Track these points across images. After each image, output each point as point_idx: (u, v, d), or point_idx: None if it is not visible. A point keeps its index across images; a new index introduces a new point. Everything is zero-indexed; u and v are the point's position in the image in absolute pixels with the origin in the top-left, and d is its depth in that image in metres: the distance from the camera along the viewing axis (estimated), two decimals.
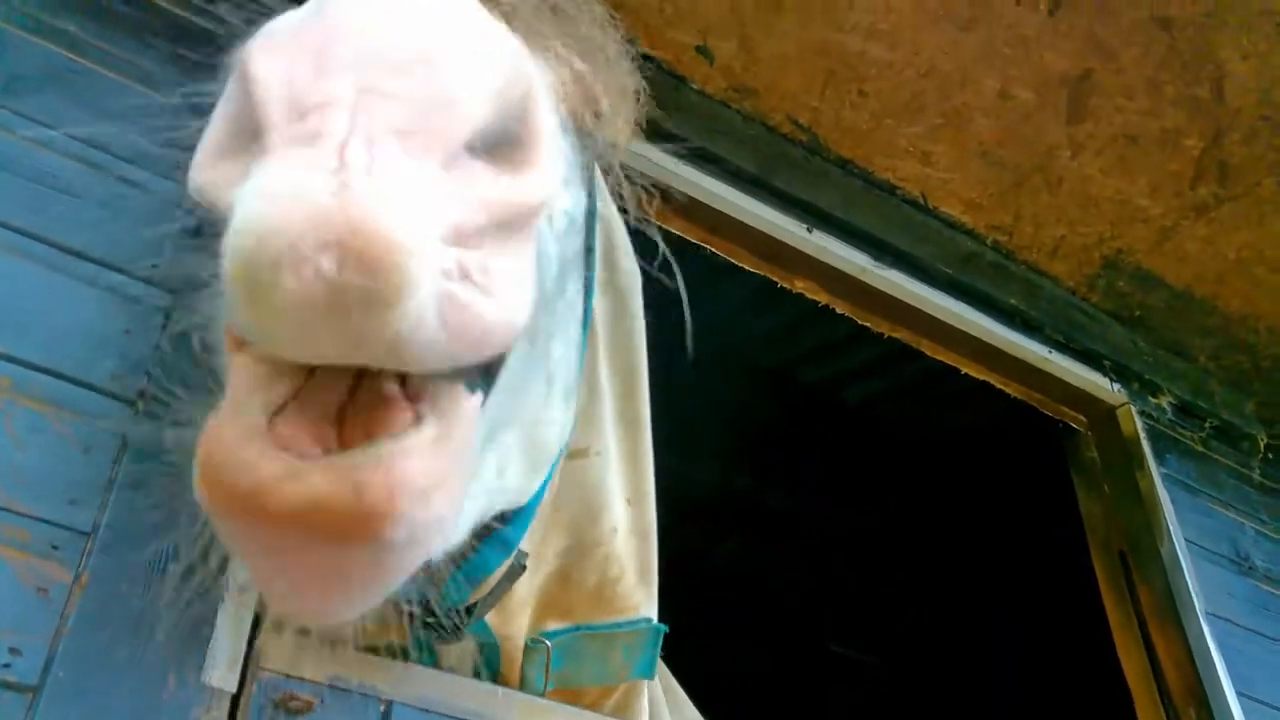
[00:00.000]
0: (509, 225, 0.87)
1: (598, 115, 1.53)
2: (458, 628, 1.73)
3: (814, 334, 4.83)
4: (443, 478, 0.88)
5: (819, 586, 7.02)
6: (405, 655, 1.79)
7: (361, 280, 0.75)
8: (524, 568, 1.77)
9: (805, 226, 3.29)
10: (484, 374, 1.04)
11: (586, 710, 2.02)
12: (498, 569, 1.73)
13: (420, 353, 0.81)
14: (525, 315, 0.91)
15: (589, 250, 1.75)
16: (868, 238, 3.41)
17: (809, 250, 3.31)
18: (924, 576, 6.72)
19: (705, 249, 3.31)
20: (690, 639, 6.96)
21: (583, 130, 1.50)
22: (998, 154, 3.36)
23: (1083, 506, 3.88)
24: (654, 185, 3.06)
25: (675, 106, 3.17)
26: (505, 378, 1.10)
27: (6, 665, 1.55)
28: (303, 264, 0.74)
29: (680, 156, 3.12)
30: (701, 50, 3.12)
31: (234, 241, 0.77)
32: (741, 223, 3.23)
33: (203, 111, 2.27)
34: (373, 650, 1.79)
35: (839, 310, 3.53)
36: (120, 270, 1.98)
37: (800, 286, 3.46)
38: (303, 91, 0.79)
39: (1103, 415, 3.86)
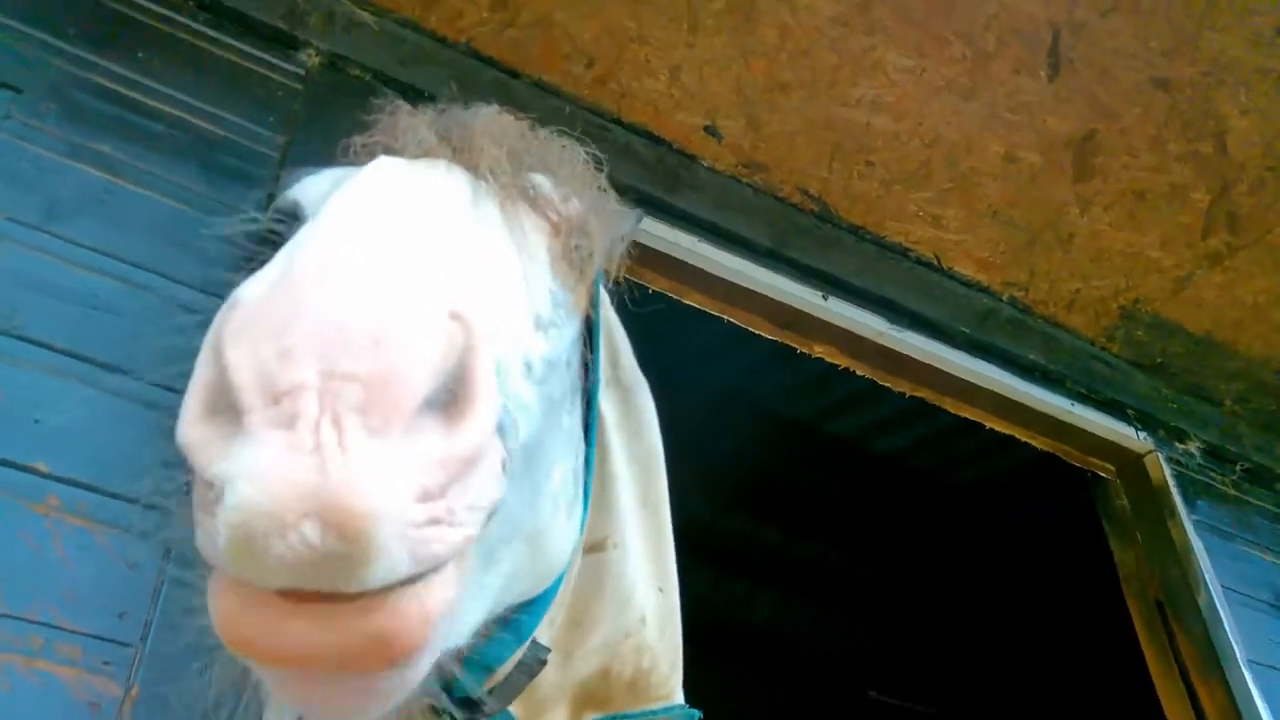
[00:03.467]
0: (463, 471, 1.00)
1: (592, 241, 1.67)
2: (470, 714, 1.78)
3: (839, 388, 4.86)
4: (454, 602, 1.01)
5: (856, 635, 7.00)
6: None
7: (341, 547, 0.88)
8: (543, 662, 1.82)
9: (820, 294, 3.35)
10: None
11: None
12: (510, 658, 1.78)
13: (389, 582, 0.93)
14: (482, 523, 1.05)
15: (594, 355, 1.88)
16: (883, 301, 3.46)
17: (825, 317, 3.37)
18: (962, 625, 6.68)
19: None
20: (733, 690, 6.95)
21: (579, 258, 1.64)
22: (1008, 214, 3.41)
23: (1116, 555, 3.87)
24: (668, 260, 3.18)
25: (688, 185, 3.25)
26: (506, 505, 1.18)
27: None
28: (289, 531, 0.87)
29: (695, 233, 3.20)
30: (710, 130, 3.21)
31: (228, 516, 0.88)
32: (757, 294, 3.29)
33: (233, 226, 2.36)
34: None
35: (859, 373, 3.58)
36: (159, 384, 2.05)
37: (819, 351, 3.51)
38: (273, 377, 0.91)
39: (1130, 464, 3.86)
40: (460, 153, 1.54)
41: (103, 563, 1.83)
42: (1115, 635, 4.02)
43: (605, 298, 2.11)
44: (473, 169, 1.52)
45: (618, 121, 3.18)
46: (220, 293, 2.21)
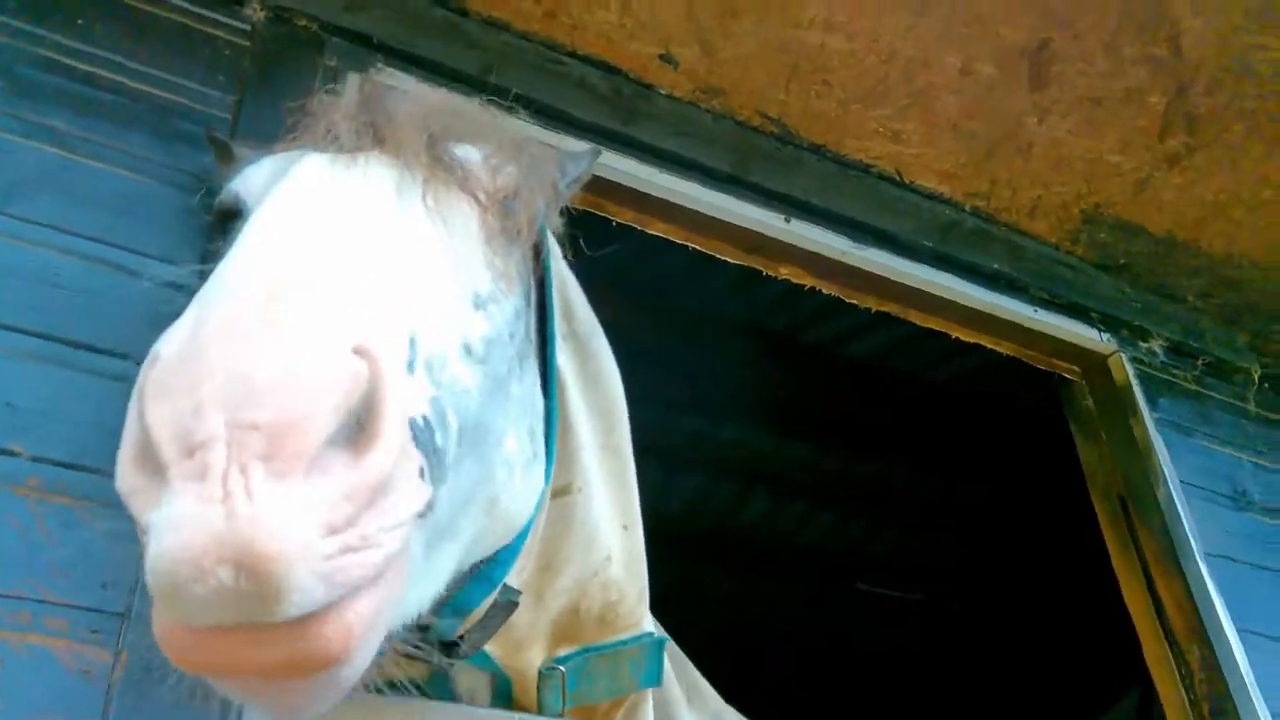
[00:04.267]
0: (373, 497, 1.07)
1: (531, 205, 1.75)
2: (447, 656, 1.89)
3: (811, 300, 4.91)
4: (382, 610, 1.11)
5: (843, 530, 7.22)
6: (422, 690, 1.97)
7: (254, 588, 0.97)
8: (515, 604, 1.93)
9: (783, 217, 3.38)
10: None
11: None
12: (482, 603, 1.89)
13: (307, 610, 1.02)
14: (402, 540, 1.12)
15: (549, 311, 1.94)
16: (846, 220, 3.50)
17: (789, 239, 3.40)
18: (942, 519, 6.87)
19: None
20: (726, 588, 7.16)
21: (517, 224, 1.71)
22: (967, 126, 3.43)
23: (1081, 454, 3.98)
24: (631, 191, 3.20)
25: (646, 115, 3.25)
26: (451, 488, 1.27)
27: None
28: (207, 576, 0.96)
29: (655, 163, 3.22)
30: (665, 58, 3.20)
31: (153, 564, 0.98)
32: (721, 220, 3.32)
33: (186, 188, 2.38)
34: (390, 685, 1.94)
35: (825, 291, 3.63)
36: (127, 357, 2.11)
37: (785, 273, 3.56)
38: (187, 432, 1.00)
39: (1095, 365, 3.94)
40: (384, 142, 1.59)
41: (86, 537, 1.91)
42: (1085, 530, 4.16)
43: (556, 250, 2.16)
44: (397, 156, 1.57)
45: (572, 54, 3.17)
46: (183, 261, 2.26)
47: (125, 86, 2.44)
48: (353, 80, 2.70)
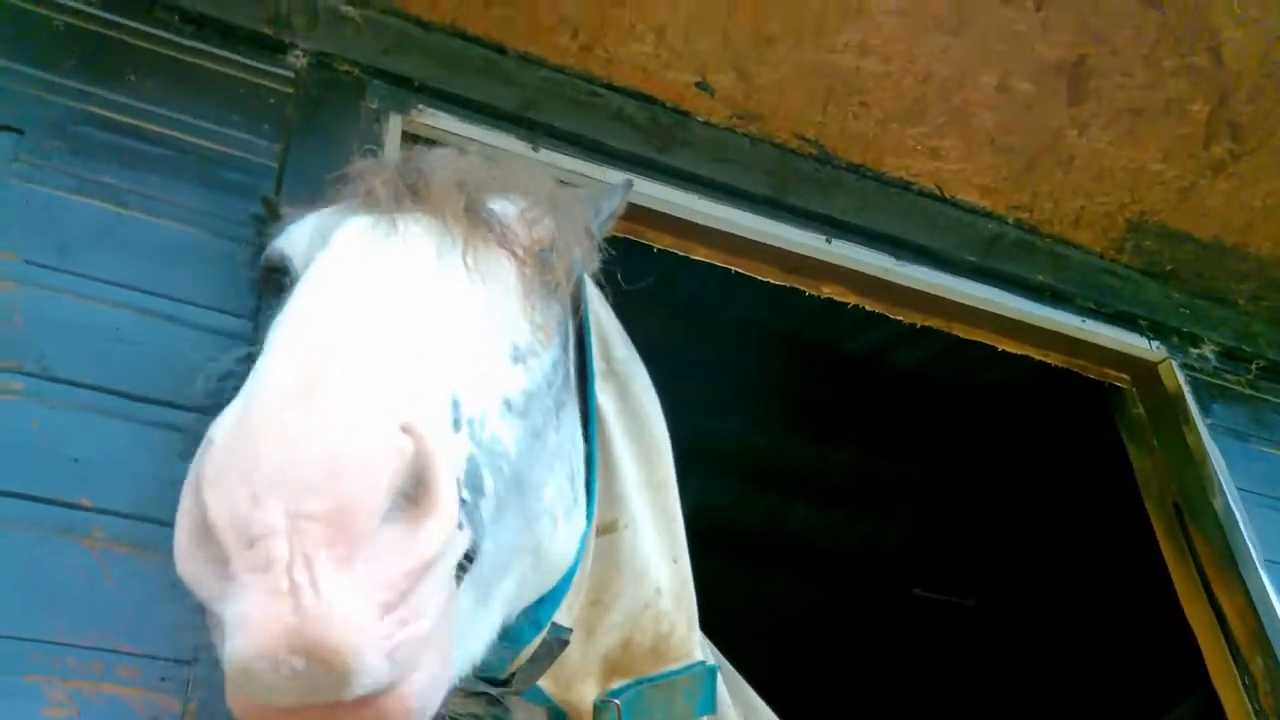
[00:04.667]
0: (425, 570, 1.11)
1: (567, 254, 1.79)
2: (498, 698, 1.93)
3: (854, 311, 4.91)
4: (437, 673, 1.15)
5: (891, 536, 7.19)
6: None
7: (325, 673, 1.02)
8: (565, 642, 1.96)
9: (824, 238, 3.39)
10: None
11: None
12: (532, 642, 1.92)
13: (375, 690, 1.07)
14: (445, 601, 1.16)
15: (588, 356, 2.00)
16: (887, 238, 3.50)
17: (831, 259, 3.41)
18: (994, 526, 6.82)
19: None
20: (776, 594, 7.13)
21: (555, 274, 1.75)
22: (1005, 141, 3.42)
23: (1134, 462, 3.94)
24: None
25: (683, 142, 3.28)
26: (495, 540, 1.31)
27: None
28: (281, 667, 1.01)
29: (694, 190, 3.25)
30: (701, 85, 3.23)
31: (230, 659, 1.03)
32: (761, 243, 3.33)
33: (235, 238, 2.43)
34: None
35: (868, 308, 3.63)
36: (183, 408, 2.16)
37: (828, 292, 3.56)
38: (247, 522, 1.04)
39: (1144, 373, 3.90)
40: (423, 203, 1.63)
41: (151, 586, 1.96)
42: (1139, 537, 4.11)
43: (594, 293, 2.20)
44: (436, 217, 1.61)
45: (608, 86, 3.20)
46: (235, 312, 2.32)
47: (173, 139, 2.50)
48: (394, 123, 2.76)
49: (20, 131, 2.33)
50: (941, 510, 6.93)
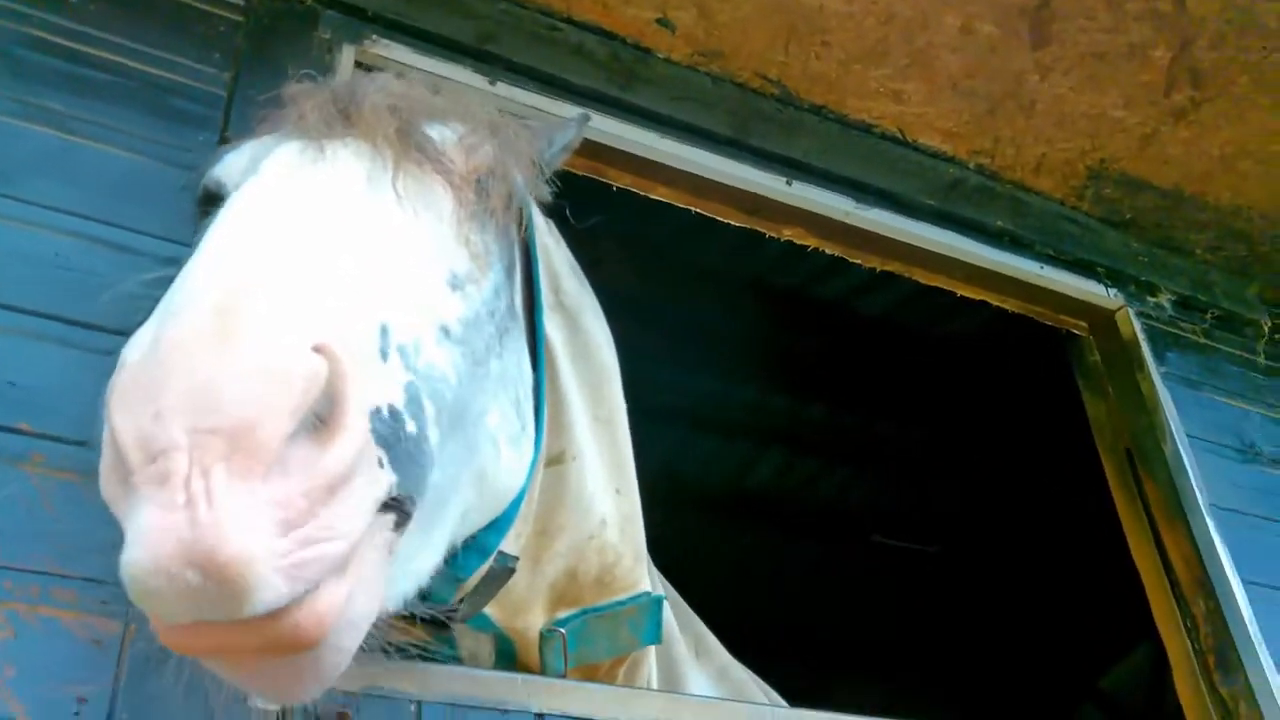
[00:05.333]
0: (334, 491, 1.10)
1: (508, 180, 1.77)
2: (444, 623, 1.94)
3: (817, 257, 4.91)
4: (356, 594, 1.15)
5: (857, 486, 7.26)
6: (427, 655, 2.02)
7: (218, 587, 1.01)
8: (511, 570, 1.98)
9: (784, 179, 3.38)
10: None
11: (600, 683, 2.25)
12: (478, 570, 1.94)
13: (273, 605, 1.06)
14: (363, 528, 1.14)
15: (535, 284, 1.97)
16: (848, 181, 3.49)
17: (791, 201, 3.40)
18: (955, 472, 6.90)
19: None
20: (743, 546, 7.23)
21: (497, 200, 1.73)
22: (968, 85, 3.40)
23: (1089, 409, 3.98)
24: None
25: (644, 80, 3.25)
26: (436, 474, 1.29)
27: (76, 714, 1.79)
28: (176, 581, 1.00)
29: (654, 128, 3.22)
30: (662, 22, 3.19)
31: (125, 572, 1.04)
32: (722, 184, 3.32)
33: (183, 166, 2.41)
34: (399, 650, 2.00)
35: (828, 251, 3.63)
36: (125, 334, 2.12)
37: (788, 234, 3.55)
38: (150, 439, 1.04)
39: (1102, 320, 3.93)
40: (354, 127, 1.61)
41: (91, 512, 1.94)
42: (1096, 485, 4.16)
43: (542, 224, 2.19)
44: (368, 142, 1.59)
45: (568, 21, 3.17)
46: (184, 240, 2.29)
47: (120, 65, 2.46)
48: (346, 53, 2.71)
49: None
50: (906, 460, 7.00)
